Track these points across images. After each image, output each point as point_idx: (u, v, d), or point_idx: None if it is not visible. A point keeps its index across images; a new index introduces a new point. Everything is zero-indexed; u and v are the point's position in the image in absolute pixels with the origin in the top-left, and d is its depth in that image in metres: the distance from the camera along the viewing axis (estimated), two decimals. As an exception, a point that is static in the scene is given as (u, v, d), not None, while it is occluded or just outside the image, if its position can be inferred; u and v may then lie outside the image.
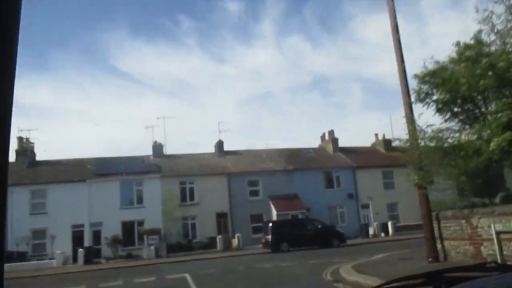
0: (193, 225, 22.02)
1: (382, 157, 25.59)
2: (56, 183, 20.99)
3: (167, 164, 23.32)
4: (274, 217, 21.62)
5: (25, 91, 36.25)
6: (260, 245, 20.34)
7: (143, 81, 41.73)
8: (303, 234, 16.36)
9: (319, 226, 17.23)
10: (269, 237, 16.43)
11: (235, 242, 20.68)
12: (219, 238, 20.36)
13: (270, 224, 16.93)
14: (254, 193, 22.98)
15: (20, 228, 20.12)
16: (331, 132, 26.87)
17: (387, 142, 27.36)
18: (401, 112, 7.91)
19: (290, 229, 16.69)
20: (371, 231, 21.08)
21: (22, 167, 22.22)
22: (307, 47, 43.70)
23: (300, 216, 20.71)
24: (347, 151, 26.26)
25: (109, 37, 41.18)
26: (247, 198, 22.63)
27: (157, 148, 24.26)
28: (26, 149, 22.99)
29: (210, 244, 20.36)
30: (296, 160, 24.50)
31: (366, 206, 23.16)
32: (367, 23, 43.77)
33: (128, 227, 21.32)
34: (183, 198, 22.17)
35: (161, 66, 41.65)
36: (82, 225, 21.16)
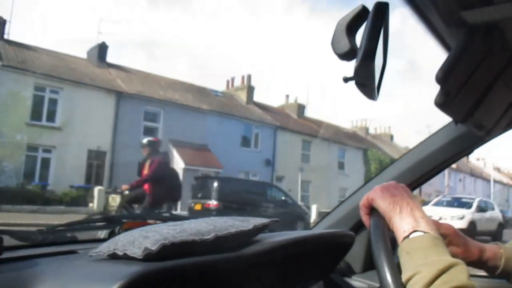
0: (46, 162, 18.52)
1: (297, 123, 28.84)
2: None
3: (11, 53, 18.29)
4: (178, 171, 20.83)
5: None
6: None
7: None
8: (261, 206, 16.35)
9: (282, 198, 17.07)
10: (213, 203, 15.60)
11: (118, 200, 18.67)
12: (98, 190, 17.92)
13: (215, 183, 16.01)
14: (151, 131, 21.45)
15: None
16: (248, 77, 27.91)
17: (300, 108, 31.08)
18: None
19: (245, 196, 16.10)
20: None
21: None
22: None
23: (213, 175, 20.86)
24: (259, 105, 28.11)
25: None
26: (139, 137, 20.71)
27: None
28: None
29: (76, 199, 17.66)
30: (206, 100, 24.31)
31: (280, 179, 25.69)
32: None
33: None
34: (36, 114, 18.19)
35: None
36: None
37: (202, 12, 56.26)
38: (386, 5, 0.64)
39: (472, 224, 15.04)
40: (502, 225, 19.09)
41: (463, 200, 17.92)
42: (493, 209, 19.07)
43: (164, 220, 1.38)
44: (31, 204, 15.72)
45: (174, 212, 18.39)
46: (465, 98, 0.81)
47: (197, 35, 56.04)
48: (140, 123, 21.14)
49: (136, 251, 0.74)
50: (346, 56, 0.64)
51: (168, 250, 0.74)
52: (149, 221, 1.29)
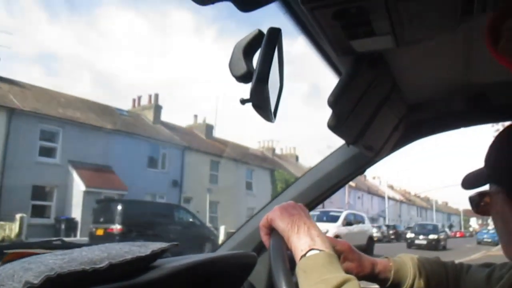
0: None
1: (206, 143, 28.87)
2: None
3: None
4: (78, 194, 19.92)
5: None
6: (57, 238, 18.11)
7: None
8: (168, 228, 15.83)
9: (190, 220, 16.92)
10: (116, 227, 14.86)
11: (7, 228, 17.06)
12: (-17, 216, 16.23)
13: (119, 206, 15.29)
14: (48, 152, 20.08)
15: None
16: (156, 96, 27.44)
17: (208, 128, 31.21)
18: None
19: (151, 219, 15.53)
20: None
21: None
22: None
23: (116, 198, 19.98)
24: (166, 125, 27.74)
25: None
26: (34, 157, 19.32)
27: None
28: None
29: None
30: (110, 120, 23.37)
31: (188, 200, 25.33)
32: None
33: None
34: None
35: None
36: None
37: (109, 28, 54.39)
38: (278, 31, 0.66)
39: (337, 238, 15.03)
40: (372, 239, 18.80)
41: (332, 213, 17.55)
42: (363, 222, 18.87)
43: (54, 248, 1.25)
44: None
45: (71, 238, 17.34)
46: (354, 121, 0.86)
47: (101, 51, 53.85)
48: (36, 143, 19.54)
49: (16, 286, 0.67)
50: (243, 78, 0.65)
51: (54, 283, 0.68)
52: (36, 250, 1.14)
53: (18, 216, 16.97)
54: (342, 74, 0.87)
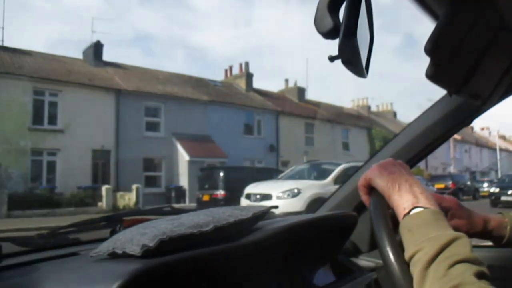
0: (52, 165, 18.58)
1: (298, 107, 28.75)
2: None
3: (7, 59, 18.27)
4: (183, 164, 21.18)
5: None
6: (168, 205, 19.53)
7: None
8: None
9: None
10: (220, 193, 15.54)
11: (126, 198, 18.82)
12: (105, 189, 18.05)
13: (221, 173, 16.00)
14: (153, 126, 21.61)
15: None
16: (246, 65, 27.78)
17: (300, 91, 30.97)
18: None
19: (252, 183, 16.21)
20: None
21: None
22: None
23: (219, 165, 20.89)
24: (259, 92, 28.03)
25: None
26: (142, 132, 20.91)
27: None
28: None
29: (85, 199, 17.75)
30: (205, 91, 24.24)
31: (285, 164, 25.68)
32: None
33: None
34: (38, 119, 18.23)
35: None
36: None
37: (196, 5, 55.89)
38: None
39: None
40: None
41: (324, 167, 12.37)
42: None
43: (164, 214, 1.39)
44: (40, 208, 15.86)
45: (181, 204, 18.67)
46: (457, 68, 0.79)
47: (191, 28, 55.60)
48: (142, 119, 21.12)
49: (135, 249, 0.73)
50: (329, 34, 0.62)
51: (167, 245, 0.74)
52: (149, 216, 1.25)
53: (134, 186, 18.72)
54: (439, 17, 0.79)
